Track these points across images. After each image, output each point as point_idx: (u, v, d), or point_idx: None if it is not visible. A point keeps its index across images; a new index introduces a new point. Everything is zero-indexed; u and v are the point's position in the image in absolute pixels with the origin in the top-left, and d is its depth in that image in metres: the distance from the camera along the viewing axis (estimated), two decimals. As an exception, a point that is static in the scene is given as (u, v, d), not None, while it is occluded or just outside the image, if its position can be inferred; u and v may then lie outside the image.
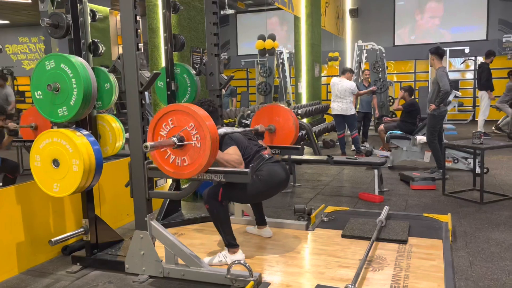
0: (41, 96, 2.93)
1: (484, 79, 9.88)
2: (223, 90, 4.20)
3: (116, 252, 3.28)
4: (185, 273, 2.87)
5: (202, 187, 4.86)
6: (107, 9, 9.35)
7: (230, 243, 3.07)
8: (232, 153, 3.03)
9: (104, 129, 3.84)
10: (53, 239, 2.99)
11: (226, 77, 3.92)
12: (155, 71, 2.88)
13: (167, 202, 4.03)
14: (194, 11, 4.99)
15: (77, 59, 2.89)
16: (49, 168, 2.92)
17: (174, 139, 2.60)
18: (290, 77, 11.20)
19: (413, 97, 7.36)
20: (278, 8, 12.25)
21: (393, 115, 11.65)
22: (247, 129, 3.56)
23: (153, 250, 2.94)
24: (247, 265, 2.70)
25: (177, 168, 2.70)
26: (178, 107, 2.66)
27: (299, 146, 3.71)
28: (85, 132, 3.02)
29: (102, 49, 4.12)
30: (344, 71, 7.58)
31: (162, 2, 3.99)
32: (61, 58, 2.86)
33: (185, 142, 2.61)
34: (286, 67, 10.62)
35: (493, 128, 10.56)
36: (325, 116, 9.73)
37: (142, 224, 2.97)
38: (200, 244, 3.48)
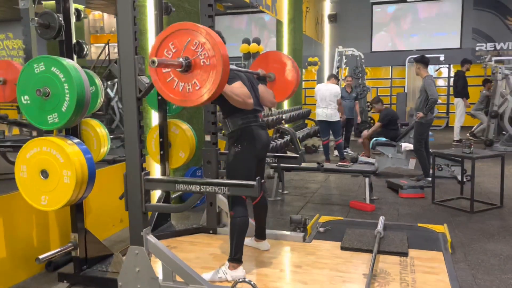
0: (28, 102, 2.70)
1: (460, 87, 10.08)
2: None
3: (106, 268, 3.08)
4: (184, 291, 2.71)
5: (190, 196, 4.70)
6: (82, 7, 9.00)
7: (236, 258, 2.93)
8: (240, 87, 2.87)
9: (88, 134, 3.65)
10: (40, 257, 2.77)
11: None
12: (155, 77, 2.70)
13: (157, 212, 3.85)
14: (183, 13, 4.82)
15: (69, 62, 2.68)
16: (36, 179, 2.70)
17: (180, 59, 2.38)
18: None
19: (384, 105, 7.51)
20: (258, 11, 12.17)
21: (371, 121, 11.76)
22: (249, 70, 3.39)
23: (149, 266, 2.76)
24: (252, 283, 2.57)
25: (185, 95, 2.45)
26: (178, 26, 2.41)
27: (298, 155, 3.60)
28: (76, 140, 2.81)
29: (87, 50, 3.90)
30: (329, 77, 7.54)
31: (154, 3, 3.81)
32: (52, 61, 2.65)
33: (191, 59, 2.37)
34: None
35: (467, 134, 10.79)
36: (306, 121, 9.68)
37: (137, 239, 2.78)
38: (196, 258, 3.32)
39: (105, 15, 14.65)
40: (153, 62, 2.27)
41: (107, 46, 13.65)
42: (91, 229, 3.31)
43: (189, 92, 2.46)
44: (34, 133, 4.50)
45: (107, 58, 13.89)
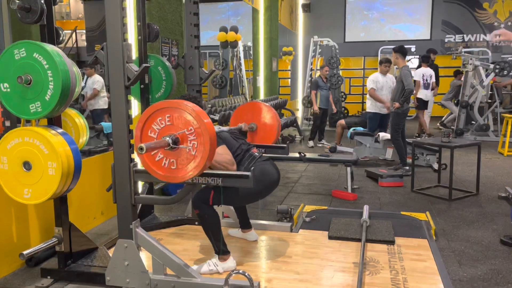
0: (8, 90, 2.56)
1: None
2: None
3: (92, 263, 2.98)
4: (175, 284, 2.65)
5: (172, 188, 4.62)
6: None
7: (221, 250, 2.88)
8: (223, 153, 2.85)
9: (66, 125, 3.52)
10: (24, 252, 2.64)
11: (206, 72, 3.69)
12: (144, 64, 2.61)
13: (140, 204, 3.75)
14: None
15: (52, 48, 2.55)
16: (19, 171, 2.57)
17: (169, 139, 2.38)
18: (245, 71, 11.02)
19: None
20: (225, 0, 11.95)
21: (345, 111, 11.88)
22: (232, 128, 3.39)
23: (139, 260, 2.69)
24: (246, 274, 2.53)
25: (169, 171, 2.48)
26: (182, 106, 2.41)
27: (285, 145, 3.58)
28: (60, 130, 2.70)
29: (63, 36, 3.75)
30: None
31: (137, 30, 3.65)
32: (34, 47, 2.51)
33: (179, 146, 2.40)
34: (242, 60, 10.43)
35: (438, 124, 11.06)
36: (283, 111, 9.68)
37: (126, 232, 2.70)
38: (184, 250, 3.26)
39: (72, 0, 14.11)
40: (141, 149, 2.23)
41: (74, 33, 13.19)
42: (72, 222, 3.19)
43: (171, 169, 2.48)
44: (8, 123, 4.30)
45: (74, 45, 13.41)
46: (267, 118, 3.67)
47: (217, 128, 3.05)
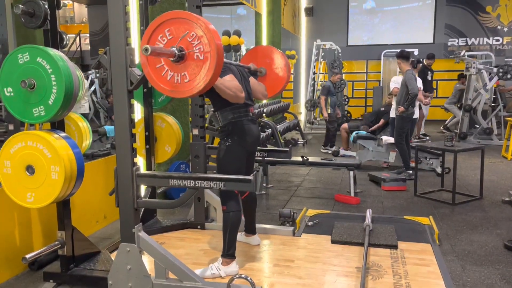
0: (12, 94, 2.57)
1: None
2: None
3: (94, 266, 2.98)
4: (178, 288, 2.65)
5: (175, 192, 4.63)
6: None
7: (229, 253, 2.89)
8: (232, 80, 2.86)
9: (69, 128, 3.53)
10: (27, 256, 2.64)
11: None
12: (147, 69, 2.61)
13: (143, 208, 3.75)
14: (166, 3, 4.70)
15: (55, 52, 2.56)
16: (22, 175, 2.58)
17: (174, 49, 2.32)
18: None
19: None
20: (227, 4, 11.97)
21: (348, 115, 11.87)
22: (240, 64, 3.36)
23: (141, 264, 2.69)
24: (249, 278, 2.52)
25: (174, 86, 2.39)
26: (177, 14, 2.35)
27: (288, 149, 3.57)
28: (63, 134, 2.71)
29: (67, 40, 3.76)
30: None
31: None
32: (37, 51, 2.52)
33: (185, 51, 2.32)
34: (245, 64, 10.43)
35: (441, 128, 11.03)
36: (286, 114, 9.66)
37: (128, 236, 2.70)
38: (186, 254, 3.25)
39: (76, 4, 14.19)
40: (146, 49, 2.19)
41: (78, 37, 13.25)
42: (74, 226, 3.19)
43: (177, 83, 2.40)
44: (11, 127, 4.32)
45: (78, 49, 13.48)
46: (277, 64, 3.58)
47: (226, 59, 3.02)
